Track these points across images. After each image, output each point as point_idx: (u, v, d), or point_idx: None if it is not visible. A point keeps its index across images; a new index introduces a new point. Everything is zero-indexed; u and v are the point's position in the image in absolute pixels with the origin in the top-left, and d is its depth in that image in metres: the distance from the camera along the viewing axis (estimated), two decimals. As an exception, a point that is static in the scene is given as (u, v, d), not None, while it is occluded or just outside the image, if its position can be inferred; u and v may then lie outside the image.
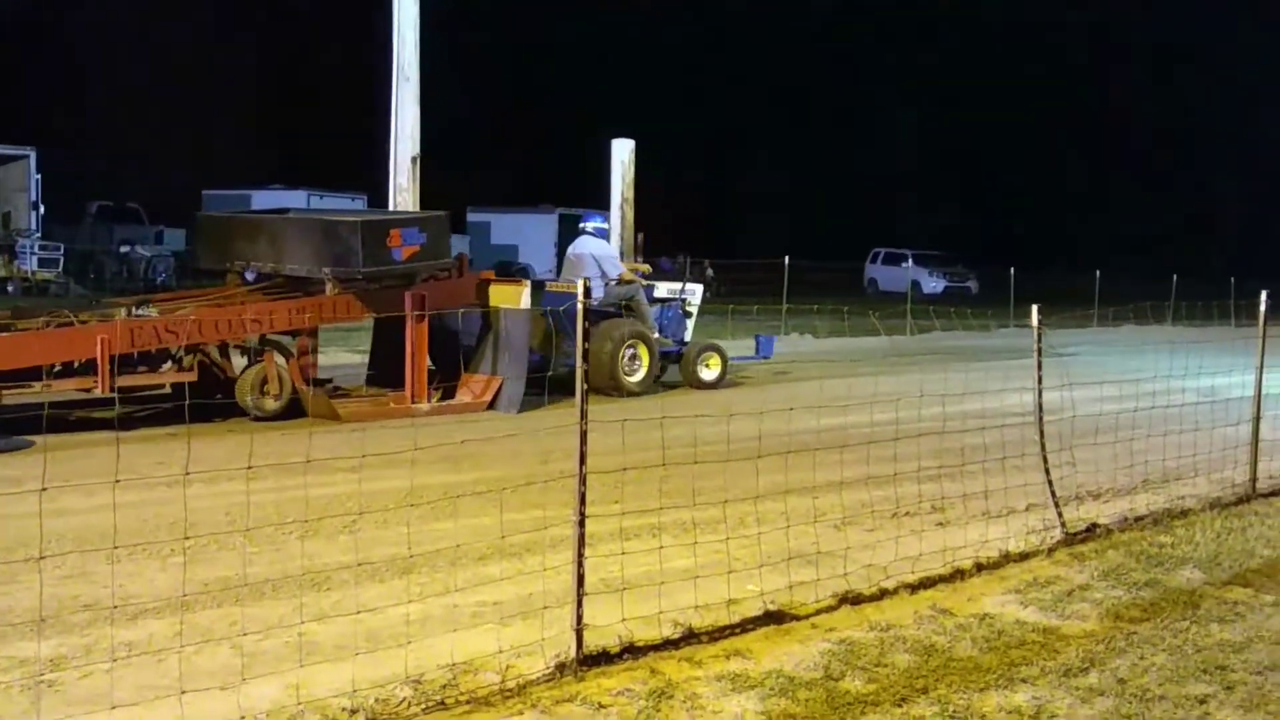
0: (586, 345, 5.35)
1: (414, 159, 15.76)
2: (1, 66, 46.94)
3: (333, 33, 51.61)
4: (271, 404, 11.18)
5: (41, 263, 28.59)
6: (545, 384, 11.66)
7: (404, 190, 15.73)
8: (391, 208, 15.71)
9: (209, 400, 10.61)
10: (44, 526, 5.93)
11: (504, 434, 10.25)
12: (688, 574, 5.99)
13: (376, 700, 4.68)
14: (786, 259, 24.92)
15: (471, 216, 37.81)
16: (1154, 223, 60.90)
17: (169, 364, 11.04)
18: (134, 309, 11.21)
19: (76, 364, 10.29)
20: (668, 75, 60.51)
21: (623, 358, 13.35)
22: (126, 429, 10.57)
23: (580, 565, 5.15)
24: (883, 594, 6.27)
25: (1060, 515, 7.63)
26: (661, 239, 17.21)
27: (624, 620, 5.39)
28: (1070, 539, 7.44)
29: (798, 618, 5.85)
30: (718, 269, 34.19)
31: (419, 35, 15.80)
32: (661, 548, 6.39)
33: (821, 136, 62.76)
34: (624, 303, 13.96)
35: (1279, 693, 5.10)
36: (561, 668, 5.02)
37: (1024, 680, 5.15)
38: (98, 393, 10.29)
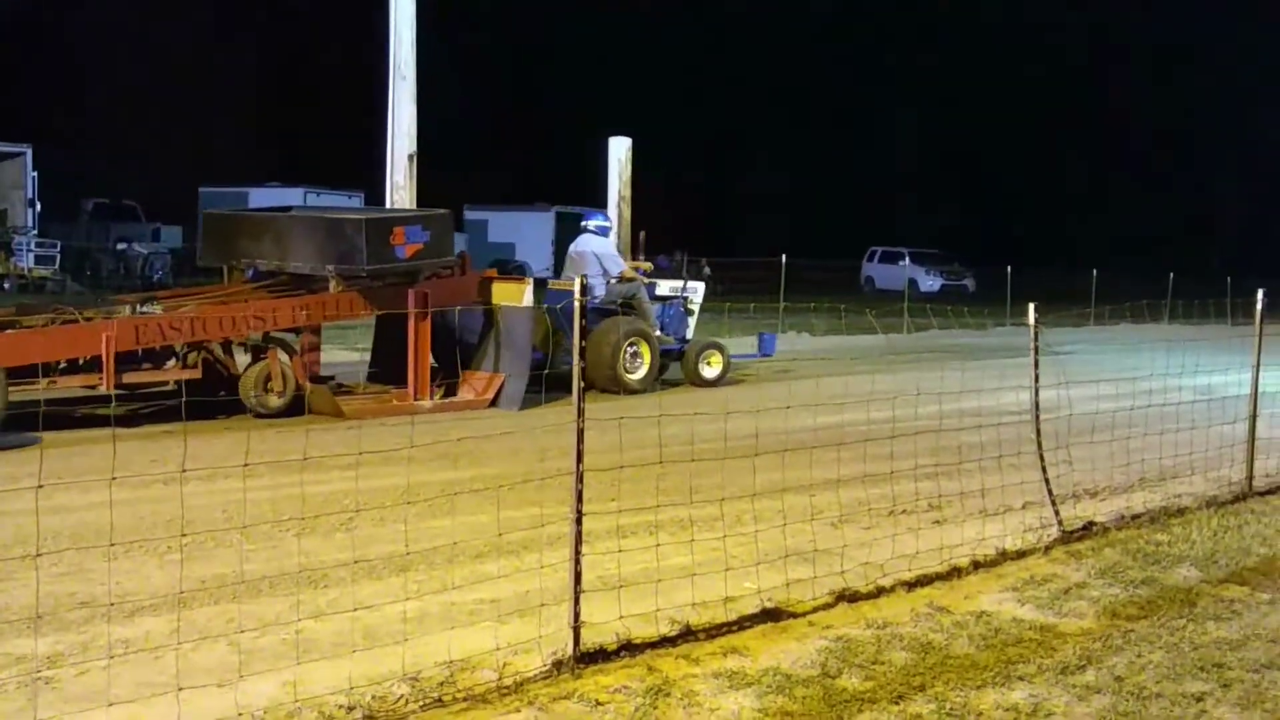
0: (584, 343, 5.34)
1: (411, 157, 15.74)
2: (-2, 64, 46.97)
3: (330, 31, 51.61)
4: (275, 401, 11.20)
5: (38, 260, 28.56)
6: (543, 382, 11.71)
7: (401, 188, 15.72)
8: (388, 206, 15.71)
9: (213, 398, 10.62)
10: (41, 523, 5.93)
11: (501, 431, 10.25)
12: (685, 572, 6.00)
13: (374, 698, 4.68)
14: (784, 257, 24.92)
15: (469, 215, 37.78)
16: (1151, 222, 60.95)
17: (173, 361, 11.08)
18: (138, 306, 11.25)
19: (82, 361, 10.33)
20: (666, 74, 60.52)
21: (624, 355, 13.38)
22: (131, 426, 10.59)
23: (577, 563, 5.15)
24: (880, 592, 6.27)
25: (1057, 513, 7.63)
26: (661, 238, 17.19)
27: (621, 618, 5.39)
28: (1067, 537, 7.45)
29: (795, 615, 5.85)
30: (715, 267, 34.21)
31: (416, 34, 15.79)
32: (659, 545, 6.40)
33: (819, 135, 62.79)
34: (626, 300, 13.99)
35: (1275, 690, 5.11)
36: (559, 665, 5.02)
37: (1021, 678, 5.16)
38: (103, 390, 10.33)
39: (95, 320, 10.54)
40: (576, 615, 5.11)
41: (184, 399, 10.04)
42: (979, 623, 5.85)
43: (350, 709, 4.58)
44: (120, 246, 33.86)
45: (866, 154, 63.27)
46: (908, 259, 42.85)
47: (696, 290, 15.46)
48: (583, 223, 14.68)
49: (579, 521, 5.15)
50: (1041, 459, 7.74)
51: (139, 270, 32.46)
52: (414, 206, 15.59)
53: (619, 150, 18.41)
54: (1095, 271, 29.05)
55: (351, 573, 6.12)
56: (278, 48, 52.55)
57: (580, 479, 5.16)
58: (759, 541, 6.47)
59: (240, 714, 4.47)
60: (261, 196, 31.51)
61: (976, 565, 6.81)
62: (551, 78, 58.53)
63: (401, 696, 4.71)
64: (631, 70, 58.54)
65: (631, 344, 13.47)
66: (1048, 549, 7.20)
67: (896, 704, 4.84)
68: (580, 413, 5.19)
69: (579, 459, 5.15)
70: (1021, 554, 7.09)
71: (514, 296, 12.50)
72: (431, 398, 11.98)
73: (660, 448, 7.09)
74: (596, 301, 13.64)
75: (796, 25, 64.29)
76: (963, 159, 64.89)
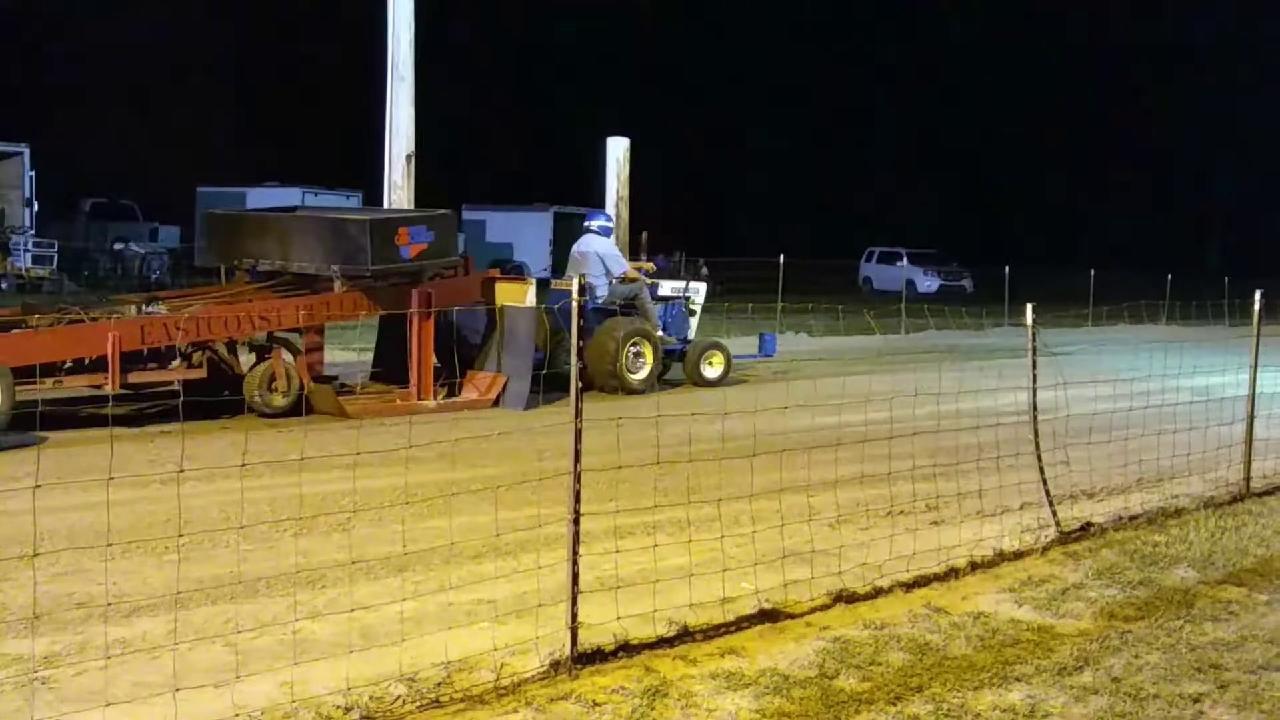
0: (581, 343, 5.34)
1: (409, 157, 15.76)
2: (-4, 63, 46.93)
3: (328, 31, 51.52)
4: (279, 401, 11.22)
5: (35, 259, 28.51)
6: (540, 382, 11.72)
7: (399, 188, 15.73)
8: (386, 205, 15.72)
9: (217, 398, 10.64)
10: (38, 524, 5.92)
11: (499, 432, 10.25)
12: (682, 572, 6.00)
13: (371, 698, 4.67)
14: (782, 257, 24.92)
15: (467, 214, 37.73)
16: (1148, 223, 60.96)
17: (178, 361, 11.10)
18: (144, 306, 11.27)
19: (87, 361, 10.35)
20: (664, 74, 60.45)
21: (626, 355, 13.42)
22: (136, 426, 10.61)
23: (575, 563, 5.15)
24: (877, 592, 6.27)
25: (1055, 514, 7.63)
26: (659, 238, 17.17)
27: (619, 618, 5.39)
28: (1064, 538, 7.45)
29: (792, 616, 5.85)
30: (713, 267, 34.11)
31: (414, 34, 15.80)
32: (656, 546, 6.40)
33: (817, 135, 62.70)
34: (628, 301, 14.02)
35: (1273, 691, 5.11)
36: (556, 666, 5.02)
37: (1018, 679, 5.16)
38: (108, 389, 10.35)
39: (101, 320, 10.56)
40: (574, 616, 5.11)
41: (181, 399, 10.04)
42: (976, 623, 5.86)
43: (348, 709, 4.58)
44: (118, 246, 33.85)
45: (864, 154, 63.23)
46: (906, 259, 42.85)
47: (698, 291, 15.51)
48: (585, 223, 14.71)
49: (576, 522, 5.15)
50: (1039, 460, 7.75)
51: (136, 270, 32.45)
52: (412, 206, 15.60)
53: (617, 150, 18.42)
54: (1093, 272, 29.05)
55: (349, 573, 6.12)
56: (276, 48, 52.51)
57: (578, 479, 5.16)
58: (756, 542, 6.47)
59: (237, 714, 4.46)
60: (259, 196, 31.50)
61: (974, 566, 6.81)
62: (548, 76, 58.48)
63: (399, 697, 4.71)
64: (628, 69, 58.52)
65: (634, 344, 13.51)
66: (1045, 550, 7.21)
67: (894, 705, 4.84)
68: (578, 413, 5.19)
69: (576, 459, 5.15)
70: (1019, 555, 7.09)
71: (517, 297, 12.53)
72: (435, 398, 12.00)
73: (658, 448, 7.09)
74: (599, 302, 13.69)
75: (794, 25, 64.27)
76: (961, 159, 64.88)
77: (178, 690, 4.45)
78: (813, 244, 43.32)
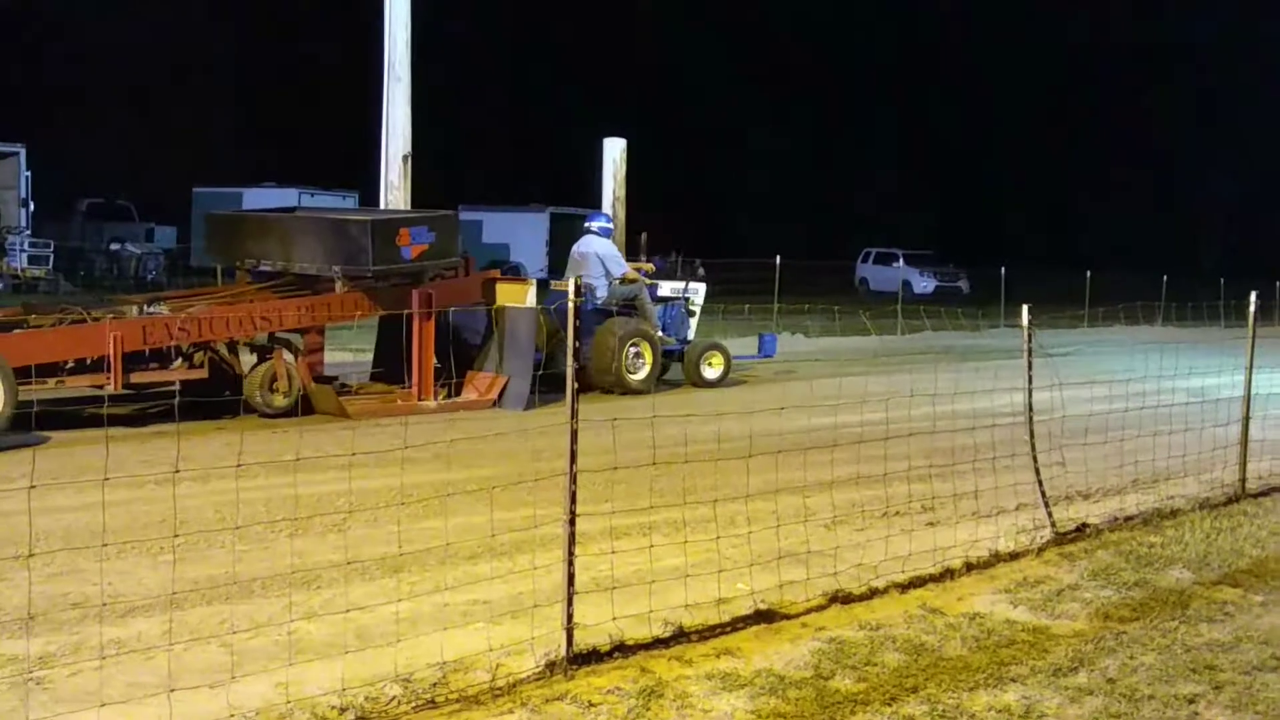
0: (579, 343, 5.35)
1: (405, 157, 15.76)
2: (-8, 63, 46.89)
3: (325, 32, 51.52)
4: (280, 401, 11.23)
5: (31, 260, 28.50)
6: (535, 382, 11.72)
7: (395, 188, 15.73)
8: (383, 205, 15.72)
9: (218, 398, 10.65)
10: (33, 524, 5.92)
11: (495, 432, 10.25)
12: (678, 573, 5.99)
13: (366, 699, 4.67)
14: (778, 258, 24.93)
15: (463, 215, 37.55)
16: (1148, 222, 61.02)
17: (179, 361, 11.11)
18: (145, 306, 11.28)
19: (90, 361, 10.36)
20: (663, 74, 60.48)
21: (626, 356, 13.45)
22: (139, 425, 10.60)
23: (571, 564, 5.15)
24: (873, 593, 6.28)
25: (1050, 515, 7.64)
26: (660, 239, 17.21)
27: (614, 619, 5.39)
28: (1060, 539, 7.46)
29: (788, 617, 5.85)
30: (709, 268, 34.11)
31: (410, 34, 15.80)
32: (652, 546, 6.40)
33: (813, 136, 62.73)
34: (628, 301, 14.05)
35: (1267, 692, 5.12)
36: (551, 666, 5.02)
37: (1013, 679, 5.16)
38: (110, 389, 10.36)
39: (103, 320, 10.58)
40: (569, 616, 5.11)
41: (177, 399, 10.06)
42: (972, 624, 5.86)
43: (343, 710, 4.57)
44: (114, 247, 33.84)
45: (861, 154, 63.27)
46: (902, 260, 42.88)
47: (698, 291, 15.55)
48: (586, 224, 14.73)
49: (572, 522, 5.15)
50: (1035, 461, 7.75)
51: (132, 270, 32.45)
52: (408, 207, 15.60)
53: (613, 151, 18.41)
54: (1089, 273, 29.08)
55: (344, 574, 6.12)
56: (272, 48, 52.49)
57: (574, 480, 5.16)
58: (752, 543, 6.47)
59: (232, 715, 4.46)
60: (255, 197, 31.48)
61: (969, 567, 6.82)
62: (547, 78, 58.48)
63: (394, 698, 4.71)
64: (629, 70, 58.51)
65: (633, 344, 13.55)
66: (1041, 550, 7.21)
67: (889, 705, 4.85)
68: (574, 414, 5.19)
69: (572, 460, 5.15)
70: (1014, 555, 7.09)
71: (517, 297, 12.55)
72: (435, 398, 12.01)
73: (654, 449, 7.08)
74: (599, 302, 13.72)
75: (790, 24, 64.27)
76: (958, 160, 64.92)
77: (173, 691, 4.44)
78: (813, 244, 43.39)
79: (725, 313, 22.23)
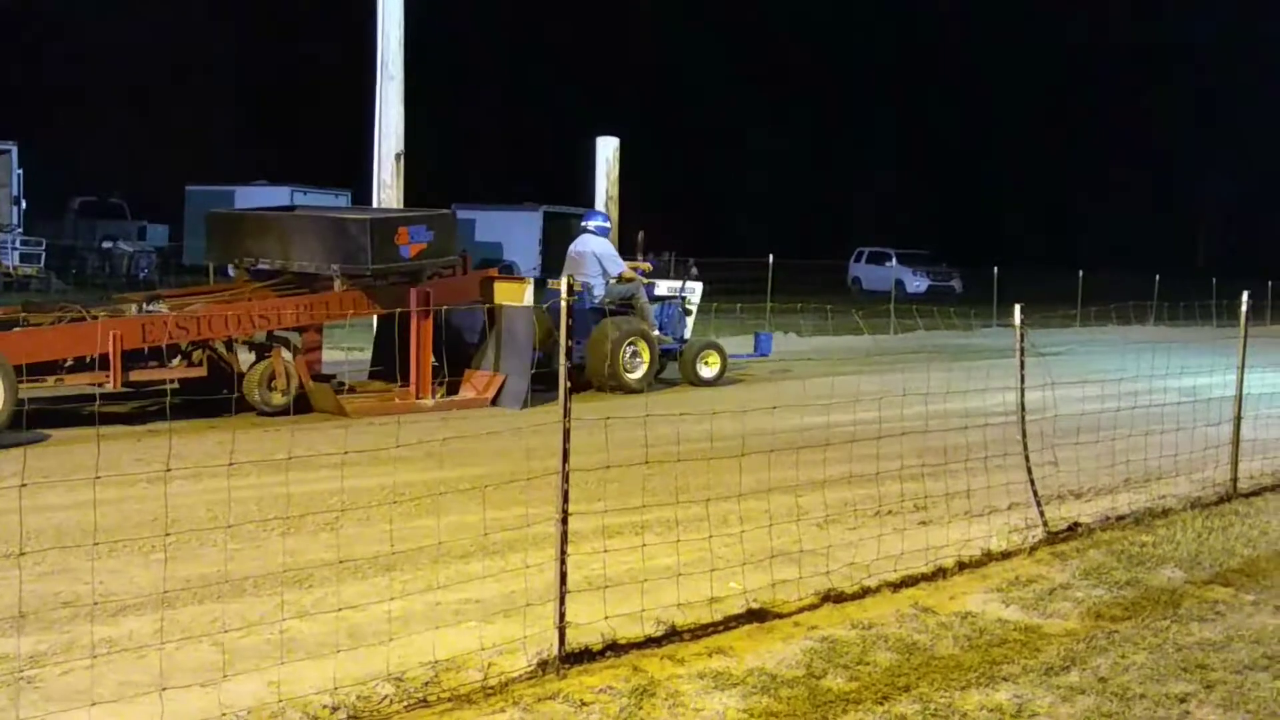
0: (573, 342, 5.35)
1: (398, 156, 15.76)
2: (-16, 61, 46.81)
3: (318, 30, 51.46)
4: (279, 399, 11.24)
5: (23, 258, 28.48)
6: (528, 381, 11.71)
7: (387, 187, 15.73)
8: (375, 204, 15.71)
9: (216, 396, 10.65)
10: (24, 522, 5.91)
11: (488, 431, 10.24)
12: (670, 572, 5.99)
13: (358, 698, 4.67)
14: (771, 257, 24.94)
15: (457, 214, 37.71)
16: (1147, 222, 61.11)
17: (178, 359, 11.11)
18: (145, 305, 11.27)
19: (89, 359, 10.36)
20: (659, 73, 60.45)
21: (624, 355, 13.47)
22: (135, 423, 10.57)
23: (563, 563, 5.15)
24: (865, 592, 6.28)
25: (1042, 514, 7.65)
26: (659, 238, 17.22)
27: (606, 618, 5.39)
28: (1052, 538, 7.47)
29: (780, 616, 5.85)
30: (702, 267, 34.06)
31: (403, 33, 15.79)
32: (644, 545, 6.40)
33: (807, 135, 62.74)
34: (625, 300, 14.07)
35: (1259, 691, 5.13)
36: (544, 665, 5.02)
37: (1005, 678, 5.17)
38: (109, 388, 10.36)
39: (103, 318, 10.57)
40: (562, 615, 5.10)
41: (169, 398, 10.05)
42: (964, 623, 5.86)
43: (334, 709, 4.57)
44: (106, 245, 33.80)
45: (860, 154, 63.31)
46: (895, 259, 42.92)
47: (695, 290, 15.57)
48: (583, 223, 14.74)
49: (565, 521, 5.15)
50: (1027, 460, 7.76)
51: (124, 268, 32.42)
52: (401, 205, 15.60)
53: (606, 150, 18.44)
54: (1082, 273, 29.13)
55: (336, 572, 6.11)
56: (265, 46, 52.43)
57: (566, 479, 5.15)
58: (745, 542, 6.47)
59: (224, 714, 4.45)
60: (248, 195, 31.45)
61: (961, 566, 6.83)
62: (541, 76, 58.44)
63: (386, 697, 4.70)
64: (619, 68, 58.48)
65: (630, 343, 13.57)
66: (1033, 550, 7.22)
67: (881, 704, 4.85)
68: (566, 412, 5.19)
69: (565, 459, 5.15)
70: (1006, 555, 7.10)
71: (515, 296, 12.56)
72: (433, 396, 12.02)
73: (646, 448, 7.08)
74: (596, 301, 13.74)
75: (788, 24, 64.27)
76: (952, 160, 64.97)
77: (164, 690, 4.44)
78: (813, 244, 43.37)
79: (718, 311, 22.23)
